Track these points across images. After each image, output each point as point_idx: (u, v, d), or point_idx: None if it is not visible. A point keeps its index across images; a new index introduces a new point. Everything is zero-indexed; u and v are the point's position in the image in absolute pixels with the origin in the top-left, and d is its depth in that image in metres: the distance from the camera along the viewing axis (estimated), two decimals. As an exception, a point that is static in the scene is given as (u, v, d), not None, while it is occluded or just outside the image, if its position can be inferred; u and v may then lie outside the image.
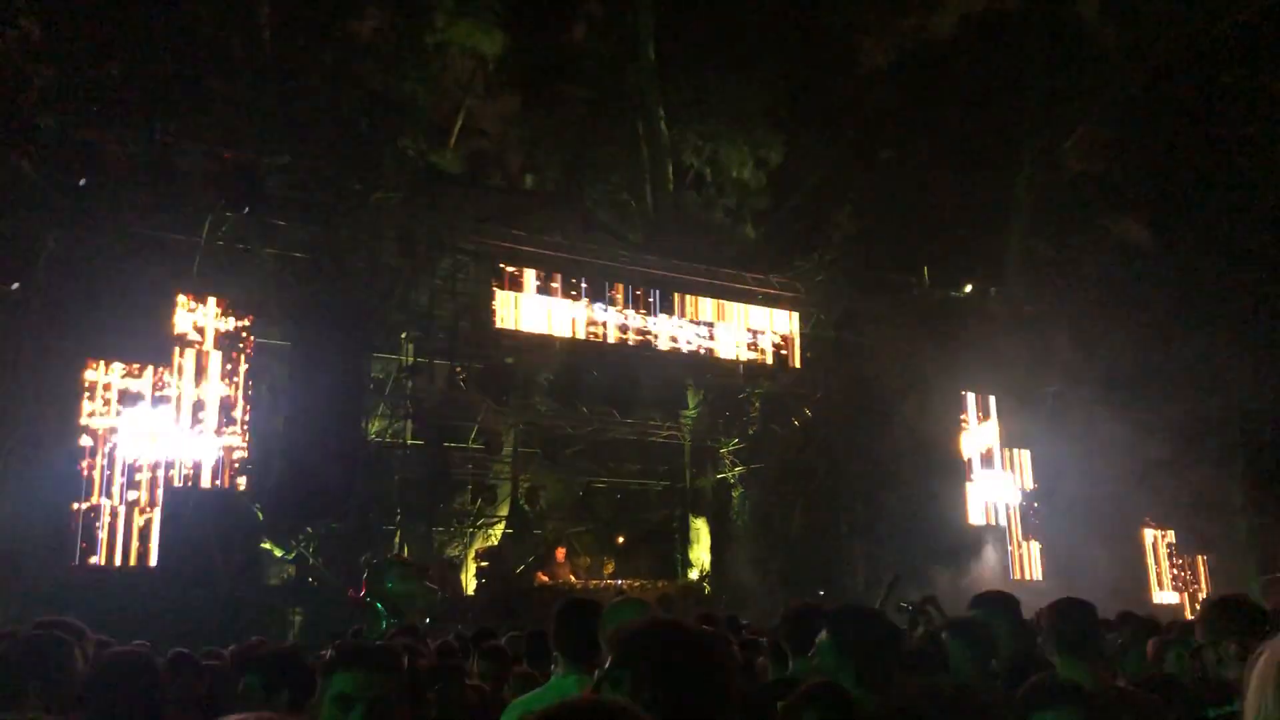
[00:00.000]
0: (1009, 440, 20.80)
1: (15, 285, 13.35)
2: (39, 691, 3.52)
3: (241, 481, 14.14)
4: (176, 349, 13.66)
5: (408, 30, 23.56)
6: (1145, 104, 25.16)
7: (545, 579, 16.70)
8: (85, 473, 12.88)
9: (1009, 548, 20.26)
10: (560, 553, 17.64)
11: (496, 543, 18.57)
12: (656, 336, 17.59)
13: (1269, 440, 23.32)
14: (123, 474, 13.07)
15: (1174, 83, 25.16)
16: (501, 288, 16.31)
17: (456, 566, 16.98)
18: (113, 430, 13.11)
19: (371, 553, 15.34)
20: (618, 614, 3.79)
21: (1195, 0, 24.06)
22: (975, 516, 19.95)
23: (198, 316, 13.90)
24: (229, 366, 14.02)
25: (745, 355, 18.54)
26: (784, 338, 18.99)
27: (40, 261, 13.60)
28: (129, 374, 13.36)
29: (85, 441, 12.94)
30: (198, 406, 13.66)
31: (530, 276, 16.59)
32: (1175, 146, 24.70)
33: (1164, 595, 22.07)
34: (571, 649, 4.01)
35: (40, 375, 13.58)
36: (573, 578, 16.95)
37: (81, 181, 13.61)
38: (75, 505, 12.73)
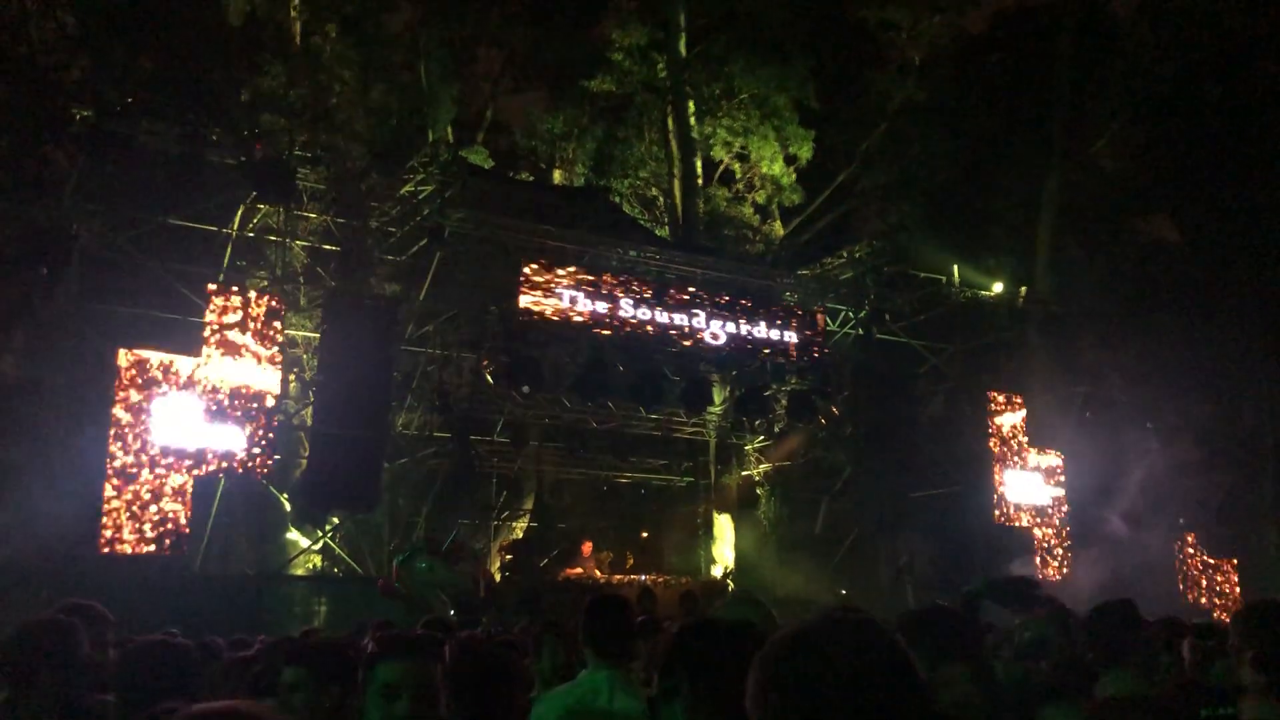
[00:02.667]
0: (1037, 440, 20.65)
1: (45, 271, 13.49)
2: (50, 677, 3.55)
3: (269, 471, 14.25)
4: (206, 339, 13.77)
5: (438, 25, 23.67)
6: (1177, 103, 24.92)
7: (577, 572, 16.75)
8: (115, 460, 13.00)
9: (1037, 548, 20.12)
10: (587, 546, 17.69)
11: (521, 536, 18.64)
12: (683, 331, 17.57)
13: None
14: (152, 462, 13.18)
15: (1206, 81, 24.91)
16: (528, 282, 16.33)
17: (480, 558, 17.05)
18: (143, 418, 13.23)
19: (400, 540, 15.45)
20: (735, 612, 3.75)
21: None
22: (1003, 516, 19.83)
23: (228, 307, 14.00)
24: (258, 357, 14.11)
25: (772, 352, 18.48)
26: (811, 334, 18.93)
27: (73, 251, 13.76)
28: (159, 363, 13.48)
29: (115, 429, 13.06)
30: (227, 396, 13.77)
31: (557, 271, 16.61)
32: (1207, 146, 24.45)
33: (1193, 598, 21.87)
34: (602, 644, 4.02)
35: (72, 364, 13.75)
36: (598, 572, 16.99)
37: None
38: (105, 492, 12.86)
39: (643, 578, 16.68)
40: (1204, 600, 21.65)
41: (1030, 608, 3.44)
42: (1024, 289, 22.45)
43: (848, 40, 26.16)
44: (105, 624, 4.27)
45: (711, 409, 19.11)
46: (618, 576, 16.90)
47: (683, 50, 23.80)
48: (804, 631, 1.58)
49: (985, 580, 3.85)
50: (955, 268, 20.88)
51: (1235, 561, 22.53)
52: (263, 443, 13.94)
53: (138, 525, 12.96)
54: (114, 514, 12.89)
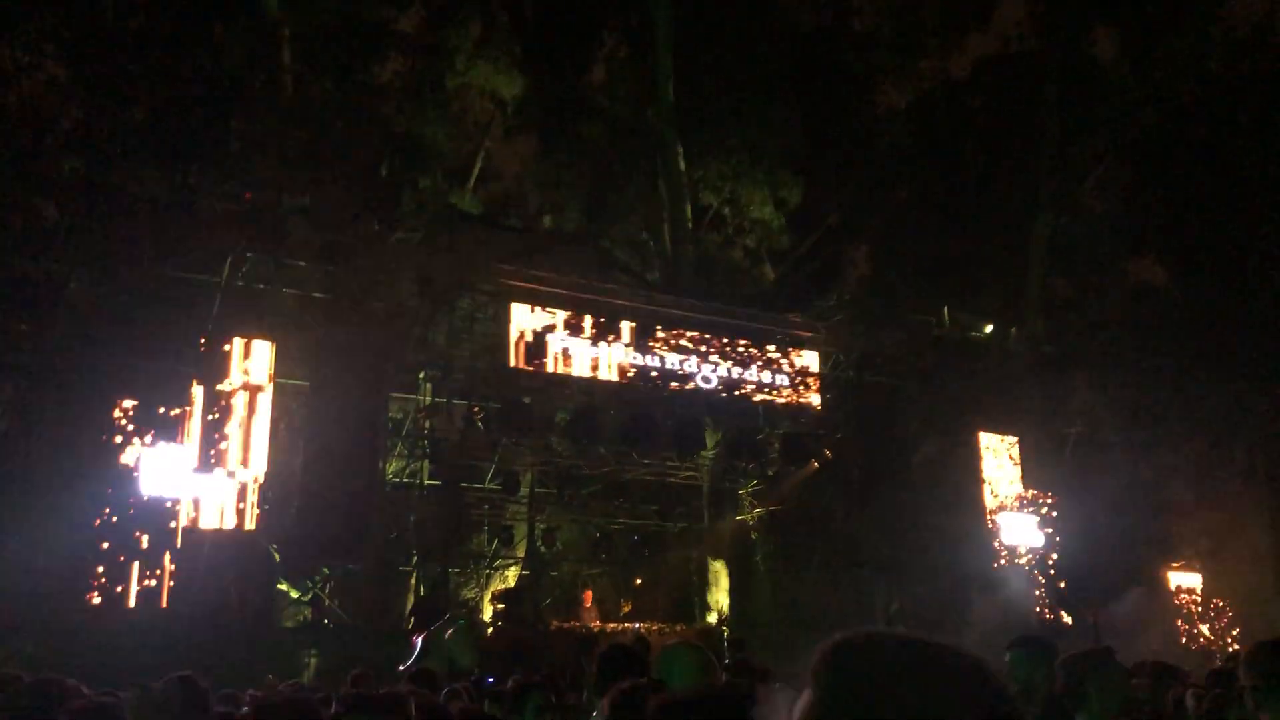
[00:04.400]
0: (1031, 481, 20.62)
1: (34, 322, 13.43)
2: None
3: (258, 521, 14.12)
4: (196, 389, 13.69)
5: (428, 73, 23.80)
6: (1162, 144, 25.13)
7: (577, 622, 16.59)
8: (104, 512, 12.87)
9: (1032, 588, 20.00)
10: (588, 595, 17.53)
11: (513, 584, 18.47)
12: (675, 376, 17.55)
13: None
14: (141, 514, 13.05)
15: (1191, 123, 25.14)
16: (519, 328, 16.32)
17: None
18: (132, 470, 13.12)
19: (392, 590, 15.28)
20: (674, 659, 3.71)
21: (1211, 40, 24.10)
22: (997, 557, 19.74)
23: (217, 357, 13.94)
24: (248, 406, 14.04)
25: (764, 396, 18.47)
26: (803, 378, 18.93)
27: (63, 303, 13.71)
28: (149, 414, 13.39)
29: (105, 481, 12.95)
30: (216, 446, 13.67)
31: (548, 317, 16.61)
32: (1193, 187, 24.64)
33: (1192, 638, 21.74)
34: None
35: (62, 415, 13.64)
36: (597, 622, 16.82)
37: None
38: (93, 544, 12.72)
39: (637, 626, 16.52)
40: (1203, 640, 21.53)
41: None
42: (1014, 330, 22.50)
43: (834, 86, 26.36)
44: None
45: (704, 453, 19.02)
46: (611, 625, 16.74)
47: (670, 97, 23.93)
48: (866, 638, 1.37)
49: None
50: (945, 309, 20.93)
51: (1233, 599, 22.44)
52: (253, 493, 13.83)
53: (126, 577, 12.81)
54: (103, 566, 12.74)
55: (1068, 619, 19.59)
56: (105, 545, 12.78)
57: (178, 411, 13.54)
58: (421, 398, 17.02)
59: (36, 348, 13.80)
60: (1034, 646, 4.57)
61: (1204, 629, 21.97)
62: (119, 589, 12.77)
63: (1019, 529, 20.15)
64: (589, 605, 17.30)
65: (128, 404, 13.29)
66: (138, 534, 12.98)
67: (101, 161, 14.44)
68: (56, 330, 13.74)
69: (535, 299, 16.74)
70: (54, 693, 3.71)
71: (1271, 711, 3.38)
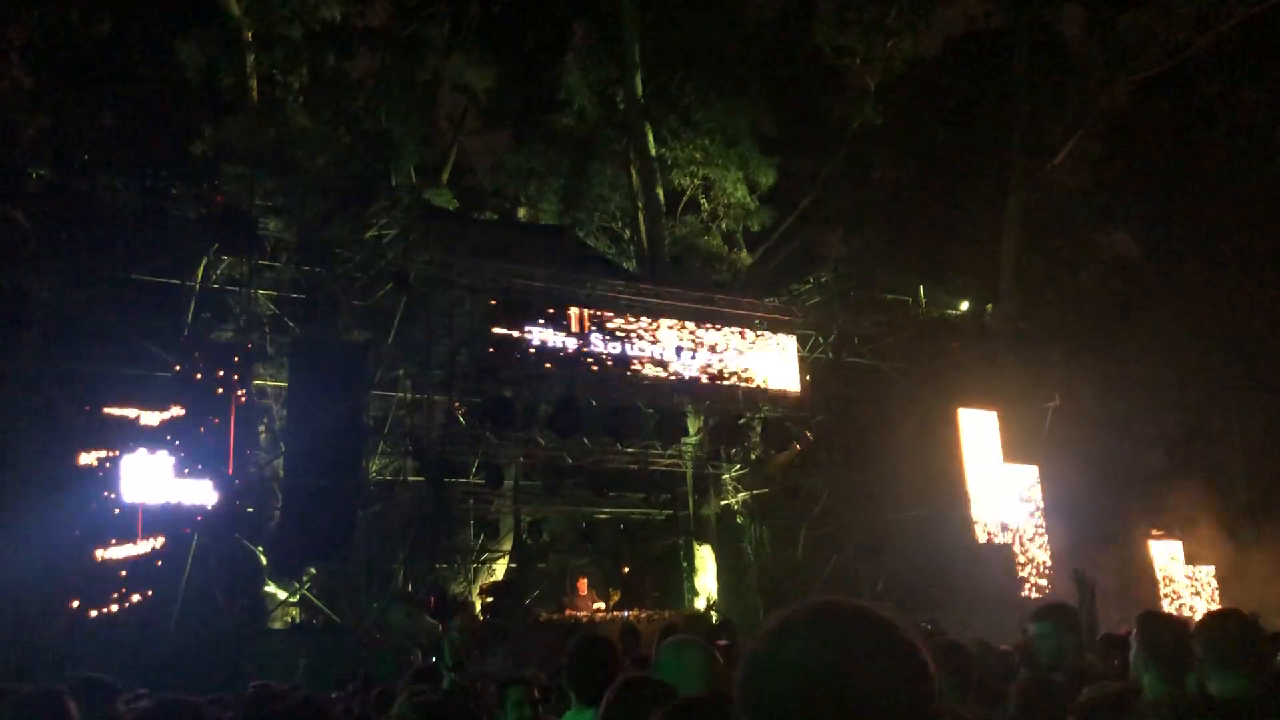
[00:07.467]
0: (1011, 456, 20.75)
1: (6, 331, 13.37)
2: None
3: (243, 524, 14.08)
4: (174, 393, 13.64)
5: (399, 69, 23.71)
6: (1131, 119, 25.29)
7: (572, 611, 16.64)
8: (84, 519, 12.82)
9: (1015, 563, 20.16)
10: (582, 583, 17.57)
11: (500, 577, 18.50)
12: (655, 364, 17.58)
13: (1267, 449, 23.29)
14: (123, 520, 13.01)
15: (1158, 97, 25.31)
16: (497, 322, 16.30)
17: (466, 605, 16.88)
18: (113, 477, 13.06)
19: (378, 590, 15.31)
20: (678, 657, 3.59)
21: (1176, 16, 24.22)
22: (980, 533, 19.88)
23: (195, 360, 13.88)
24: (227, 409, 13.98)
25: (744, 380, 18.52)
26: (782, 361, 18.99)
27: (35, 310, 13.63)
28: (127, 419, 13.34)
29: (85, 488, 12.89)
30: (197, 450, 13.62)
31: (526, 309, 16.59)
32: (1162, 160, 24.83)
33: (1173, 607, 21.93)
34: (585, 686, 3.97)
35: (36, 423, 13.57)
36: (597, 607, 16.86)
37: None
38: (75, 552, 12.67)
39: (625, 614, 16.58)
40: (1188, 609, 21.73)
41: None
42: (990, 307, 22.63)
43: (804, 68, 26.38)
44: (112, 693, 4.24)
45: (687, 440, 19.08)
46: (600, 614, 16.79)
47: (640, 88, 23.90)
48: (786, 622, 1.36)
49: None
50: (921, 288, 21.03)
51: (1212, 568, 22.67)
52: (235, 496, 13.80)
53: (110, 584, 12.76)
54: (85, 573, 12.69)
55: (1049, 586, 19.76)
56: (87, 552, 12.72)
57: (155, 416, 13.48)
58: (402, 394, 16.99)
59: (9, 357, 13.71)
60: (1059, 616, 4.49)
61: (1186, 597, 22.19)
62: (105, 596, 12.72)
63: (1001, 503, 20.29)
64: (584, 593, 17.35)
65: (105, 411, 13.23)
66: (119, 540, 12.93)
67: (71, 168, 14.34)
68: (29, 339, 13.66)
69: (512, 292, 16.74)
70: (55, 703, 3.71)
71: (1217, 681, 3.43)
